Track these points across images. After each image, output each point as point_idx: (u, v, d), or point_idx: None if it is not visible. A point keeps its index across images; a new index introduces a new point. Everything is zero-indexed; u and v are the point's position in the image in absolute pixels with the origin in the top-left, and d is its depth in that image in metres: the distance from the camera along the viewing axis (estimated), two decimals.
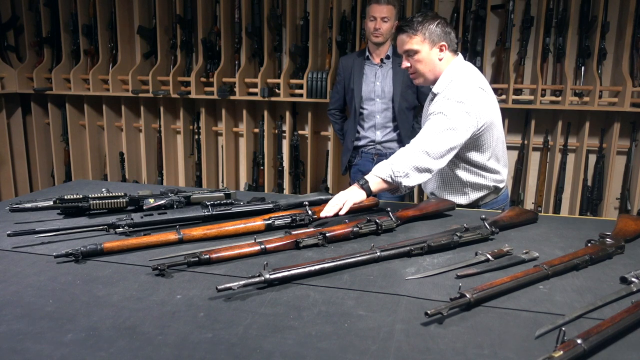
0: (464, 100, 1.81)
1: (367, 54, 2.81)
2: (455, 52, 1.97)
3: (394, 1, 2.74)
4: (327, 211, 1.67)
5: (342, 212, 1.68)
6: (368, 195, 1.75)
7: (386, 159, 2.71)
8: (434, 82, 1.95)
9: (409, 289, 1.23)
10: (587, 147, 3.42)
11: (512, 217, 1.75)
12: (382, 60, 2.77)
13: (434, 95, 1.95)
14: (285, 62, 3.85)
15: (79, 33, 4.08)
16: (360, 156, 2.90)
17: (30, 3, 4.21)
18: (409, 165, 1.73)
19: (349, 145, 2.90)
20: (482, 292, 1.13)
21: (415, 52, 1.88)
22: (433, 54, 1.89)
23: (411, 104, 2.80)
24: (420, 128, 2.75)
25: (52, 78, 4.11)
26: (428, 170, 1.77)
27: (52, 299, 1.15)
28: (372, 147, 2.84)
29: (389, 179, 1.73)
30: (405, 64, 1.94)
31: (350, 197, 1.72)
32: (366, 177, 1.77)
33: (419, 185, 2.27)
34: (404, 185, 1.75)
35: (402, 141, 2.78)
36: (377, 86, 2.77)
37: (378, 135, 2.81)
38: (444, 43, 1.90)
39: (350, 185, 2.88)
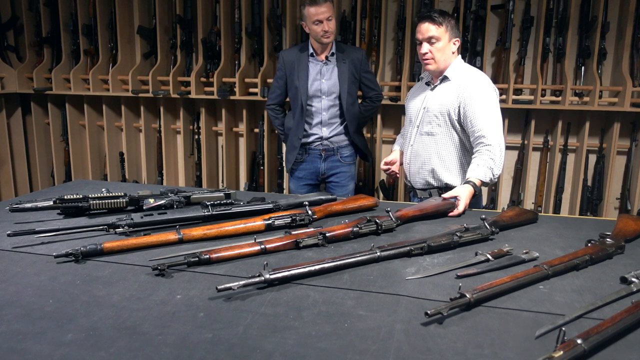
0: (489, 85, 2.11)
1: (312, 51, 2.79)
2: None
3: None
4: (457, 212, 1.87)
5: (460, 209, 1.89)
6: (475, 194, 1.95)
7: (334, 153, 2.90)
8: (442, 71, 2.17)
9: (409, 289, 1.23)
10: (587, 147, 3.42)
11: (512, 217, 1.75)
12: (327, 57, 2.78)
13: (444, 78, 2.18)
14: None
15: (79, 33, 4.08)
16: (307, 153, 2.87)
17: (30, 3, 4.20)
18: (498, 164, 1.99)
19: (295, 143, 2.85)
20: (482, 292, 1.13)
21: (438, 39, 2.09)
22: (449, 45, 2.13)
23: (355, 98, 2.85)
24: (364, 113, 2.93)
25: (52, 78, 4.10)
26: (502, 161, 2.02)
27: (52, 299, 1.15)
28: (319, 143, 2.84)
29: (489, 181, 1.98)
30: (424, 49, 2.12)
31: (466, 194, 1.92)
32: (469, 178, 1.96)
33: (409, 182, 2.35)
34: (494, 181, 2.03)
35: (349, 134, 2.85)
36: (323, 83, 2.79)
37: (325, 132, 2.82)
38: (458, 38, 2.15)
39: (290, 185, 2.95)
